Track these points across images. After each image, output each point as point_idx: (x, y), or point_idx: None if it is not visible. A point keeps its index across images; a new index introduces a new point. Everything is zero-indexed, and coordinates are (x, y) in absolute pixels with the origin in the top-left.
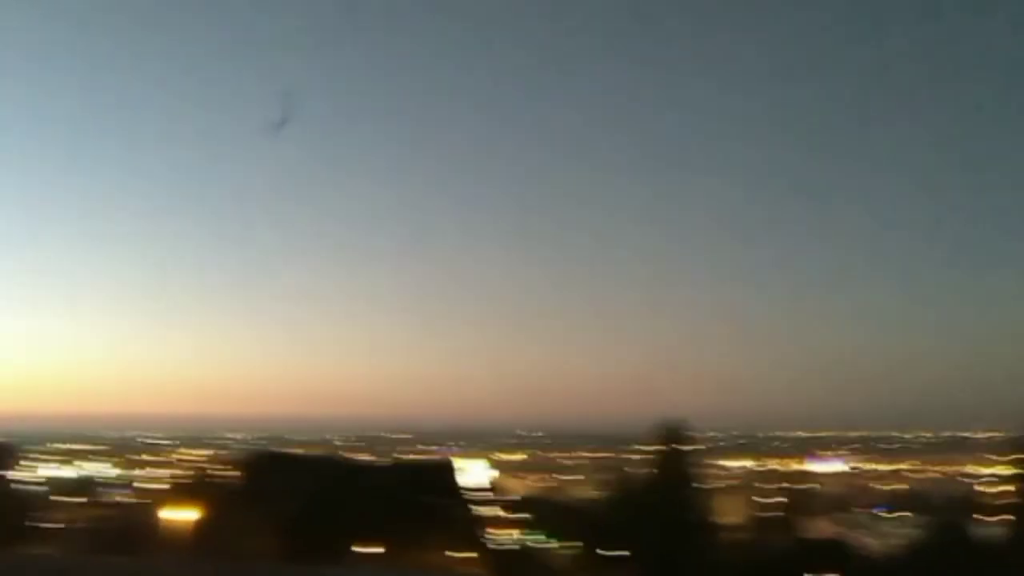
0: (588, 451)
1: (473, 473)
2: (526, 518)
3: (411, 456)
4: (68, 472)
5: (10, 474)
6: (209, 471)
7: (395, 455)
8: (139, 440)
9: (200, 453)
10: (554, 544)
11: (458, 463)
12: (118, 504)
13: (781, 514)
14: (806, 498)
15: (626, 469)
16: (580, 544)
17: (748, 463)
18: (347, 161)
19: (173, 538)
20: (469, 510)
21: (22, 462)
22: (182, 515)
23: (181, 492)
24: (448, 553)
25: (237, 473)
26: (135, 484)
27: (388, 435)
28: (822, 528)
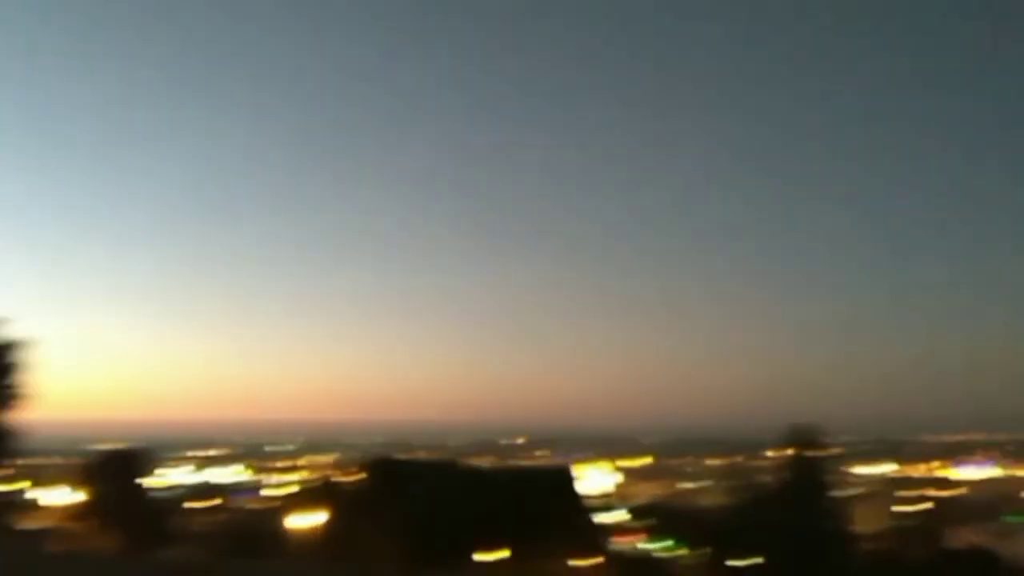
0: (714, 457)
1: (596, 479)
2: (652, 525)
3: (530, 462)
4: (200, 477)
5: (145, 480)
6: (334, 476)
7: (514, 460)
8: (267, 446)
9: (325, 458)
10: (682, 552)
11: (580, 469)
12: (247, 509)
13: (923, 523)
14: (951, 505)
15: (755, 475)
16: (708, 552)
17: (887, 469)
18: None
19: (300, 542)
20: (591, 517)
21: (156, 468)
22: (308, 520)
23: (307, 497)
24: (571, 561)
25: (361, 478)
26: (263, 489)
27: (507, 440)
28: (968, 538)
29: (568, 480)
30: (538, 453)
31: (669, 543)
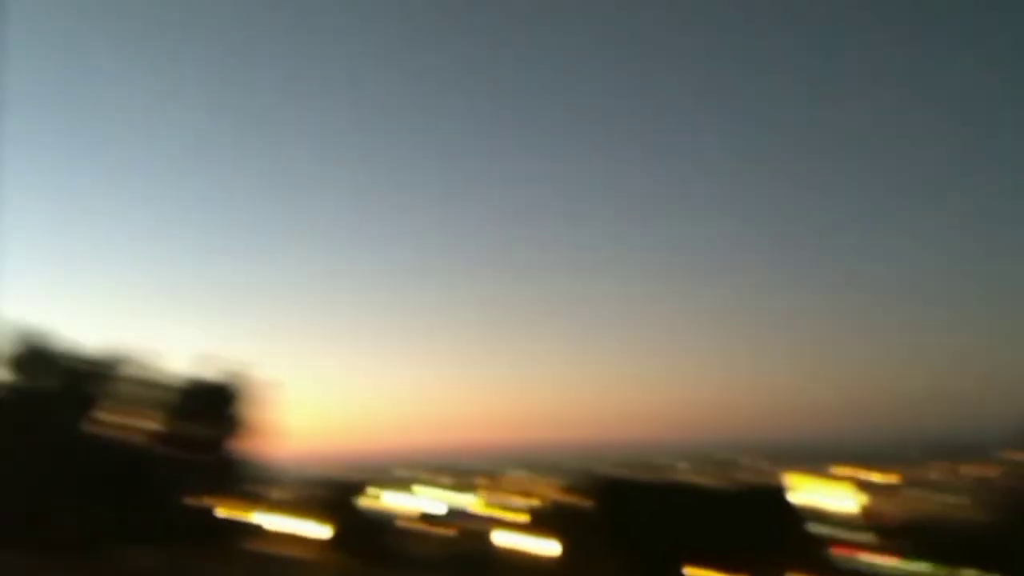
0: (946, 463)
1: (828, 494)
2: (898, 543)
3: (752, 479)
4: (427, 502)
5: (371, 505)
6: (557, 498)
7: (734, 477)
8: (491, 468)
9: (547, 480)
10: (940, 573)
11: (810, 483)
12: (474, 532)
13: None
14: None
15: (1008, 483)
16: (973, 573)
17: None
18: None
19: (525, 566)
20: (817, 535)
21: (382, 493)
22: (531, 543)
23: (535, 520)
24: None
25: (585, 500)
26: (483, 512)
27: (727, 457)
28: None
29: (792, 497)
30: (762, 469)
31: (923, 564)
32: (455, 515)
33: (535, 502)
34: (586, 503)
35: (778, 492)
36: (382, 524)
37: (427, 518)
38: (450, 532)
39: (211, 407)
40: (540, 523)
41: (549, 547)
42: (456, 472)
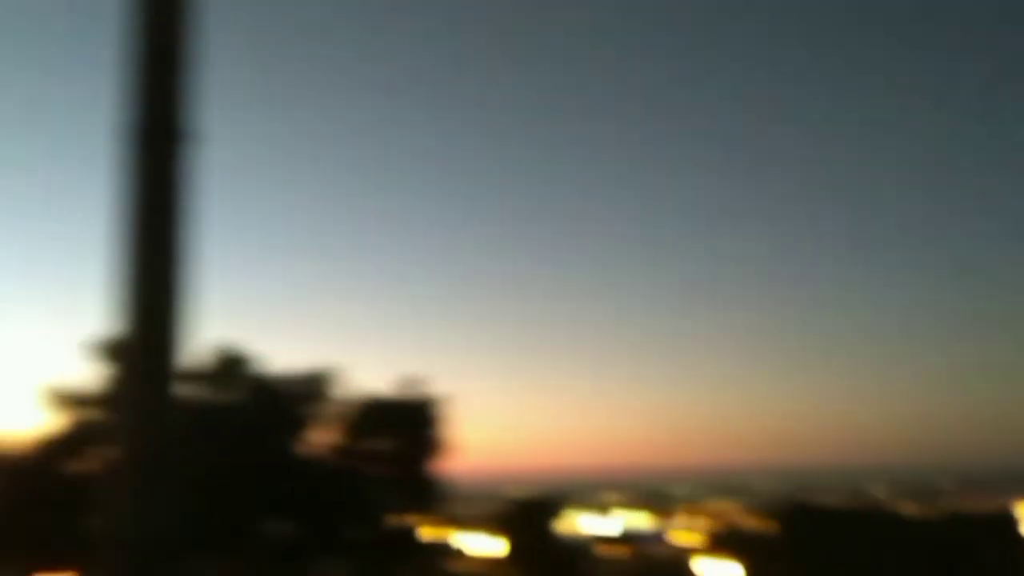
0: None
1: None
2: None
3: (963, 506)
4: (609, 523)
5: (558, 525)
6: (739, 522)
7: (944, 505)
8: (669, 490)
9: (728, 503)
10: None
11: None
12: (657, 555)
13: None
14: None
15: None
16: None
17: None
18: None
19: None
20: None
21: (568, 513)
22: (716, 566)
23: (715, 544)
24: None
25: (768, 524)
26: (669, 535)
27: (929, 482)
28: None
29: (1006, 525)
30: (972, 496)
31: None
32: (639, 537)
33: (720, 524)
34: (771, 527)
35: (1006, 521)
36: (568, 544)
37: (611, 539)
38: (633, 554)
39: (408, 425)
40: (724, 546)
41: (726, 570)
42: (640, 492)
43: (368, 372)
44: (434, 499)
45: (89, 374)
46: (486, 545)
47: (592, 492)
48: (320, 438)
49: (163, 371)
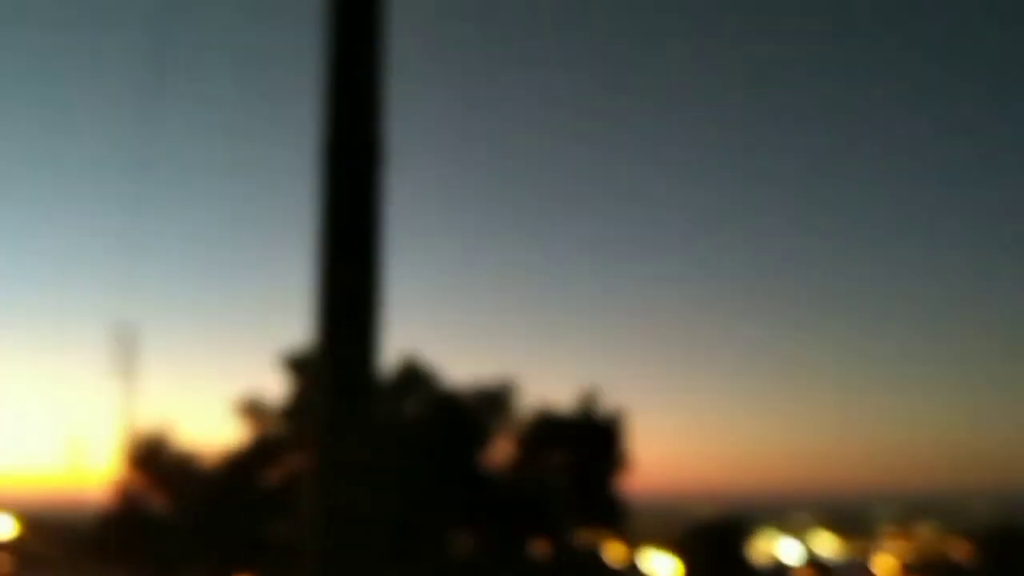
0: None
1: None
2: None
3: None
4: (800, 548)
5: (744, 550)
6: (943, 548)
7: None
8: (869, 512)
9: (929, 528)
10: None
11: None
12: None
13: None
14: None
15: None
16: None
17: None
18: None
19: None
20: None
21: (756, 536)
22: None
23: (912, 570)
24: None
25: (973, 552)
26: (867, 562)
27: None
28: None
29: None
30: None
31: None
32: (834, 564)
33: (915, 550)
34: (977, 555)
35: None
36: (759, 571)
37: (803, 566)
38: None
39: (588, 440)
40: (919, 573)
41: None
42: (835, 514)
43: (548, 386)
44: (614, 516)
45: (282, 387)
46: (668, 567)
47: (781, 513)
48: (501, 452)
49: (358, 385)
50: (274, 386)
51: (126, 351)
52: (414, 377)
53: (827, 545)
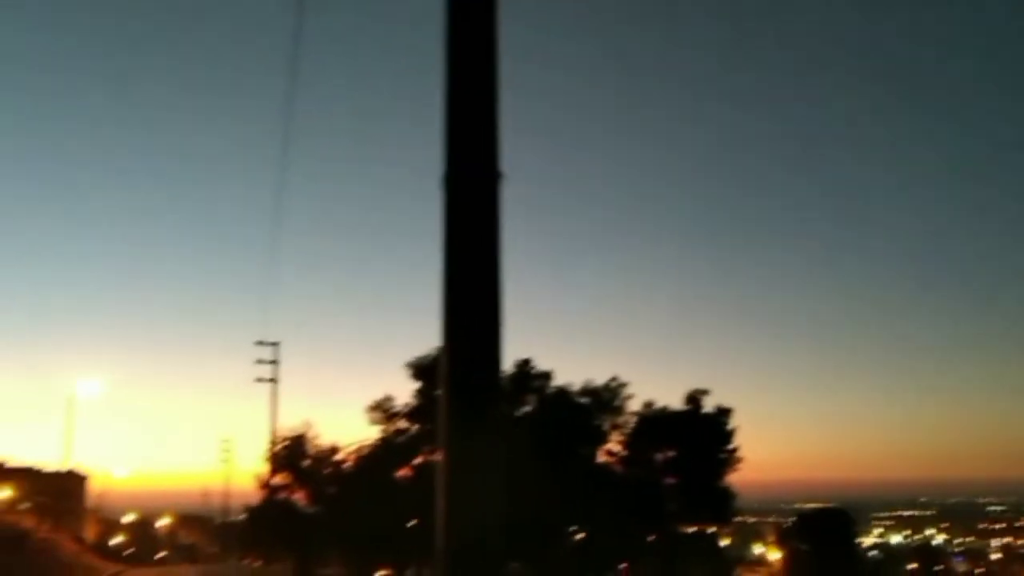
0: None
1: None
2: None
3: None
4: (911, 539)
5: (854, 540)
6: None
7: None
8: (980, 505)
9: None
10: None
11: None
12: (958, 572)
13: None
14: None
15: None
16: None
17: None
18: None
19: None
20: None
21: (864, 527)
22: None
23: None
24: None
25: None
26: (972, 551)
27: None
28: None
29: None
30: None
31: None
32: (944, 552)
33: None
34: None
35: None
36: (867, 559)
37: (916, 553)
38: (944, 570)
39: (696, 437)
40: None
41: None
42: (936, 506)
43: (657, 386)
44: (723, 509)
45: (411, 391)
46: (775, 555)
47: (890, 504)
48: (613, 449)
49: (484, 386)
50: (402, 391)
51: (271, 361)
52: (528, 378)
53: (936, 535)
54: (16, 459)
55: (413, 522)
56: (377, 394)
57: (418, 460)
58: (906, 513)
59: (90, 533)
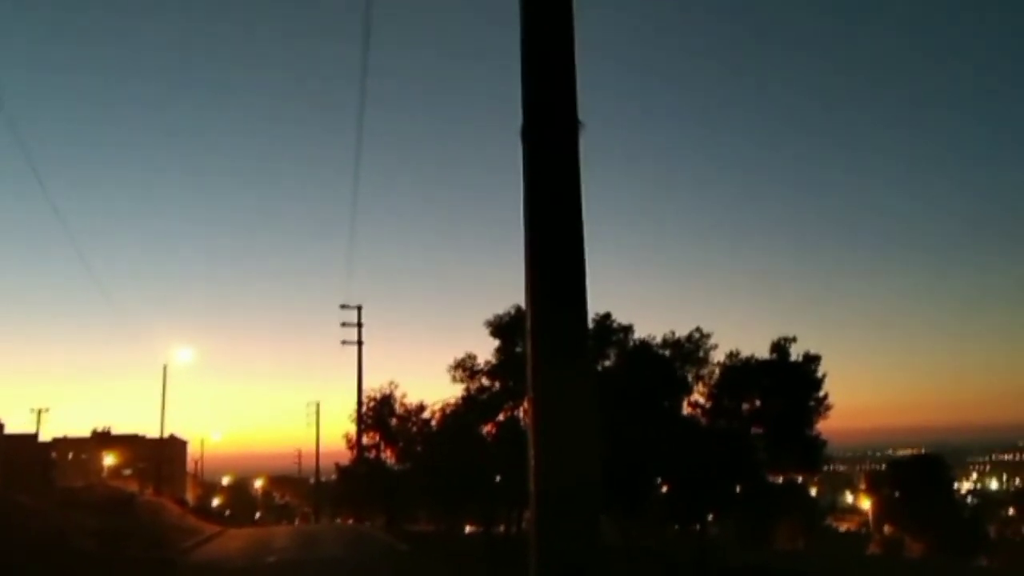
0: None
1: None
2: None
3: None
4: (1001, 484)
5: (946, 487)
6: None
7: None
8: None
9: None
10: None
11: None
12: None
13: None
14: None
15: None
16: None
17: None
18: None
19: None
20: None
21: (959, 473)
22: None
23: None
24: None
25: None
26: None
27: None
28: None
29: None
30: None
31: None
32: None
33: None
34: None
35: None
36: (962, 505)
37: (1015, 498)
38: None
39: (783, 386)
40: None
41: None
42: None
43: (740, 333)
44: (812, 459)
45: (491, 349)
46: (867, 505)
47: (984, 451)
48: (698, 400)
49: (573, 342)
50: (483, 349)
51: (356, 324)
52: (609, 331)
53: None
54: (120, 426)
55: (498, 477)
56: (458, 353)
57: (501, 416)
58: (1005, 457)
59: (191, 495)
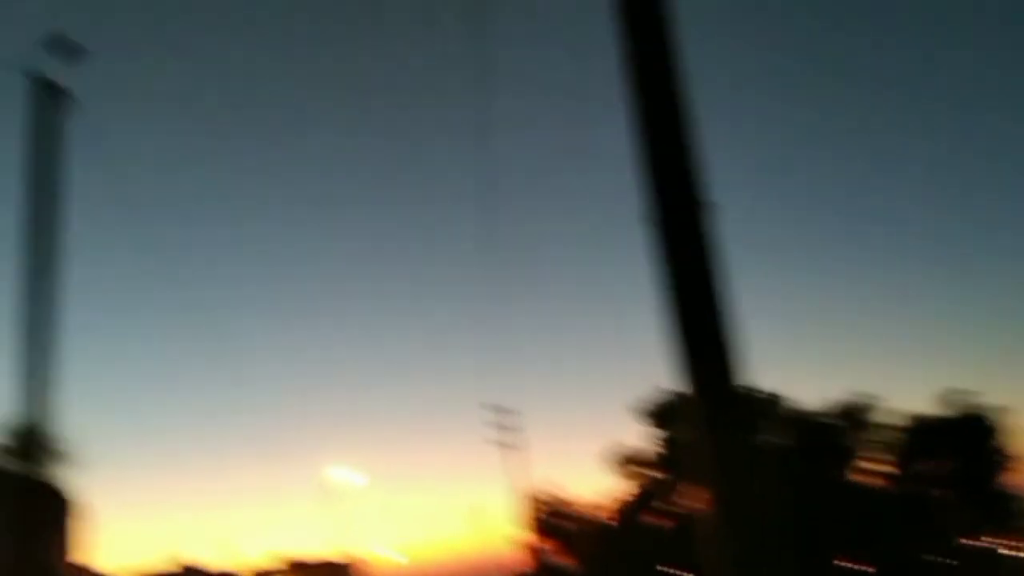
0: None
1: None
2: None
3: None
4: None
5: None
6: None
7: None
8: None
9: None
10: None
11: None
12: None
13: None
14: None
15: None
16: None
17: None
18: None
19: None
20: None
21: None
22: None
23: None
24: None
25: None
26: None
27: None
28: None
29: None
30: None
31: None
32: None
33: None
34: None
35: None
36: None
37: None
38: None
39: (964, 442)
40: None
41: None
42: None
43: (908, 393)
44: (1007, 515)
45: (644, 436)
46: None
47: None
48: (871, 467)
49: (737, 422)
50: (630, 437)
51: (508, 426)
52: (768, 405)
53: None
54: (290, 551)
55: (682, 568)
56: (609, 443)
57: (673, 508)
58: None
59: None
